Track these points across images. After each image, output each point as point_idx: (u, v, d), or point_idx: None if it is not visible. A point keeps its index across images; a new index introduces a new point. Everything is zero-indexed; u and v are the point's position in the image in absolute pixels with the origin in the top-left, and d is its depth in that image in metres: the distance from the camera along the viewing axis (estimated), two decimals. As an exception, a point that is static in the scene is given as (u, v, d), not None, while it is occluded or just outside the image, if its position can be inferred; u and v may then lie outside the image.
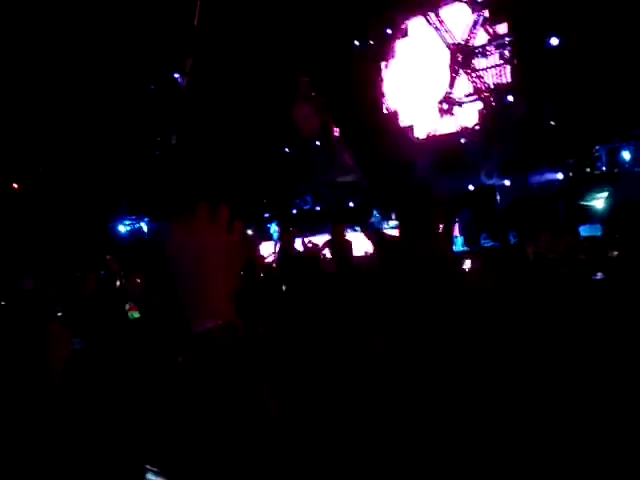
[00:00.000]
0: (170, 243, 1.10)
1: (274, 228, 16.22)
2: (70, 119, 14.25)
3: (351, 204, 15.06)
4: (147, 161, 15.49)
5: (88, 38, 13.98)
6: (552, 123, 12.83)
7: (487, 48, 13.72)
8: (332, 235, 7.30)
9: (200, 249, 1.11)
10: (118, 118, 14.58)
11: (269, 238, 14.80)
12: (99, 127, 14.48)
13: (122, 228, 16.16)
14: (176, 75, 15.25)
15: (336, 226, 7.43)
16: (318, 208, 15.74)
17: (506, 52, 13.65)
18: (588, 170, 12.91)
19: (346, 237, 7.46)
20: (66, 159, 14.61)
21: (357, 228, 14.39)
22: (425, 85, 14.64)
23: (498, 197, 12.98)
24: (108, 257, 12.85)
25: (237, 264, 1.35)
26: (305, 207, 16.29)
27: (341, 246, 6.74)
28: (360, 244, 7.40)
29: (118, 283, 8.75)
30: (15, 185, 15.02)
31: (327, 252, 7.30)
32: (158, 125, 15.33)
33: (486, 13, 13.53)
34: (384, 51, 15.69)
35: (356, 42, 15.43)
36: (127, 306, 4.79)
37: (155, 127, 15.35)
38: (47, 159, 14.85)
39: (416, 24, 15.10)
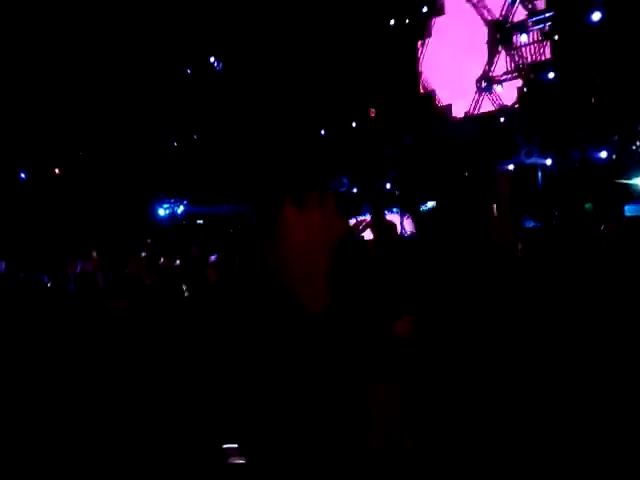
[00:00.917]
0: (285, 226, 1.13)
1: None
2: (110, 103, 14.43)
3: (388, 185, 14.99)
4: (183, 146, 15.65)
5: (123, 21, 14.09)
6: (593, 100, 12.54)
7: (526, 24, 13.42)
8: (374, 218, 7.30)
9: (313, 233, 1.14)
10: (155, 103, 14.72)
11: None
12: (137, 112, 14.64)
13: (161, 211, 16.38)
14: (212, 59, 15.31)
15: (377, 210, 7.42)
16: (355, 190, 15.70)
17: (546, 27, 13.34)
18: (633, 147, 12.60)
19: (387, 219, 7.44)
20: (105, 143, 14.84)
21: (395, 210, 14.34)
22: (463, 63, 14.41)
23: (540, 176, 12.77)
24: (149, 240, 13.08)
25: (337, 247, 1.39)
26: (341, 189, 16.27)
27: (385, 228, 6.72)
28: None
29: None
30: (56, 170, 15.32)
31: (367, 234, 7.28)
32: (194, 110, 15.43)
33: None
34: (420, 29, 15.46)
35: (392, 21, 15.24)
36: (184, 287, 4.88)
37: (191, 112, 15.45)
38: (86, 143, 15.09)
39: (453, 1, 14.84)
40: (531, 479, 2.64)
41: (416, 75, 15.77)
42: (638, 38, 11.16)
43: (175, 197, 16.27)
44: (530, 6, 13.44)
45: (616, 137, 12.31)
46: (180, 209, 16.36)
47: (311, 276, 1.36)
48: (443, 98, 15.31)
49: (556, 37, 12.94)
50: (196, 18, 14.18)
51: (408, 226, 13.17)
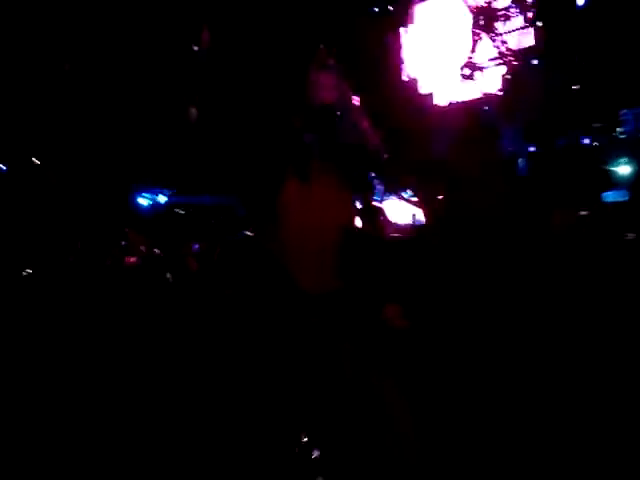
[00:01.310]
0: (287, 204, 1.07)
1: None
2: (89, 95, 14.17)
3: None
4: (168, 134, 15.41)
5: (103, 12, 13.82)
6: (576, 87, 12.58)
7: (510, 10, 13.39)
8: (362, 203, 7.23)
9: (314, 215, 1.08)
10: (136, 92, 14.49)
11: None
12: (118, 102, 14.41)
13: (142, 201, 16.18)
14: (195, 48, 15.07)
15: (365, 194, 7.33)
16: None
17: (529, 14, 13.34)
18: (614, 134, 12.71)
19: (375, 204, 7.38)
20: (85, 132, 14.58)
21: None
22: (446, 51, 14.36)
23: (522, 164, 12.80)
24: (126, 230, 12.92)
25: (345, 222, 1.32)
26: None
27: (372, 214, 6.66)
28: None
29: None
30: (34, 160, 15.02)
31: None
32: (178, 98, 15.22)
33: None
34: (403, 16, 15.36)
35: (375, 8, 15.12)
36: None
37: (175, 100, 15.23)
38: (65, 132, 14.81)
39: (436, -13, 14.77)
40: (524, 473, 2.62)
41: (399, 63, 15.67)
42: (623, 24, 11.20)
43: (157, 187, 16.09)
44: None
45: (598, 124, 12.40)
46: (162, 199, 16.19)
47: (309, 256, 1.30)
48: (426, 86, 15.25)
49: (539, 24, 12.93)
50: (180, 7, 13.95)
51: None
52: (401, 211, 12.96)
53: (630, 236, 6.40)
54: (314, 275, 1.44)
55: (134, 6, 13.76)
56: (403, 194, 13.26)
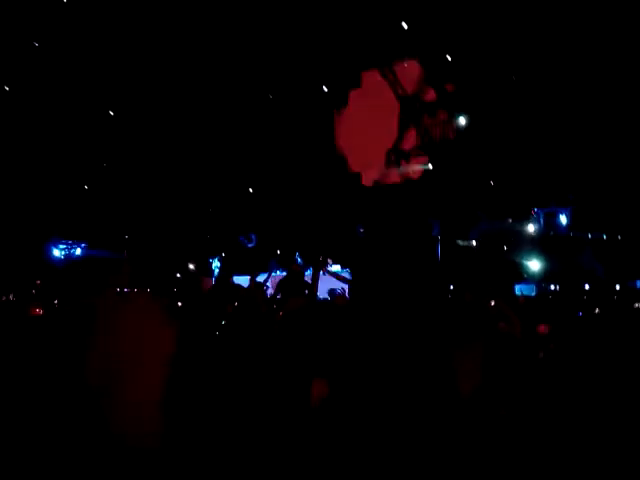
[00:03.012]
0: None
1: (215, 264, 16.00)
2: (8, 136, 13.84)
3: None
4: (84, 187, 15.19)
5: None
6: (492, 183, 13.23)
7: (435, 104, 14.11)
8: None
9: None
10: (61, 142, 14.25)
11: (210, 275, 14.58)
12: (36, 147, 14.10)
13: (56, 252, 15.60)
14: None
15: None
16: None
17: (451, 110, 14.08)
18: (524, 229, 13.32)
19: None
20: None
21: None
22: (375, 136, 14.90)
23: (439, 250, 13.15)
24: (37, 282, 12.38)
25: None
26: (249, 245, 16.15)
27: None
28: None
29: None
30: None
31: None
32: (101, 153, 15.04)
33: (436, 72, 13.95)
34: (337, 99, 15.92)
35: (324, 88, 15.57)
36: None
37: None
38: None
39: (370, 75, 15.42)
40: None
41: (332, 143, 16.11)
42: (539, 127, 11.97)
43: (72, 239, 15.59)
44: (440, 89, 14.17)
45: (510, 220, 12.99)
46: (77, 251, 15.66)
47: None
48: (354, 165, 15.69)
49: (461, 120, 13.65)
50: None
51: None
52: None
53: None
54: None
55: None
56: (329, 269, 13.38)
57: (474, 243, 12.99)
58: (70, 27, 13.18)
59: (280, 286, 7.06)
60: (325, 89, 15.41)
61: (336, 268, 12.30)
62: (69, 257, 15.46)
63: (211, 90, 14.42)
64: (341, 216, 14.34)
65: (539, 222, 13.32)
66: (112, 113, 14.86)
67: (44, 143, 14.11)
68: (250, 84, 14.52)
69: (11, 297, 10.47)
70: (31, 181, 14.20)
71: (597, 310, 8.08)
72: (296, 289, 6.81)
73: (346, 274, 9.00)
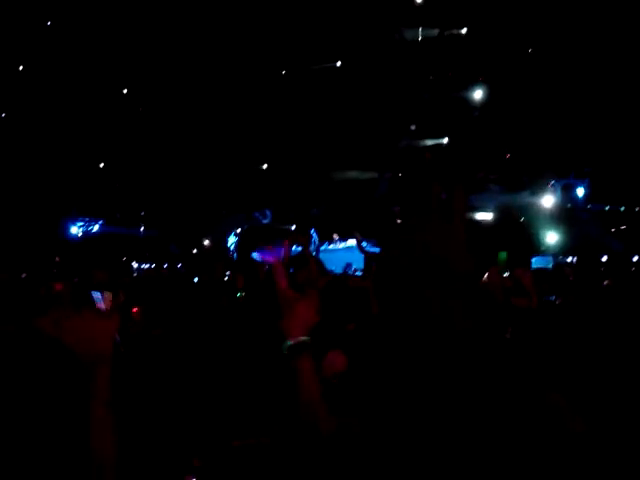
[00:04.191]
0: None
1: (231, 240, 16.01)
2: (26, 118, 13.95)
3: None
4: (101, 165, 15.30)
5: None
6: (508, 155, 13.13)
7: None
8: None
9: None
10: (78, 121, 14.31)
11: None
12: (57, 127, 14.17)
13: (74, 229, 15.74)
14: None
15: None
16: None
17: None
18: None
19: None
20: (20, 158, 14.23)
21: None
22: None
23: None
24: (57, 259, 12.49)
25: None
26: (264, 221, 16.17)
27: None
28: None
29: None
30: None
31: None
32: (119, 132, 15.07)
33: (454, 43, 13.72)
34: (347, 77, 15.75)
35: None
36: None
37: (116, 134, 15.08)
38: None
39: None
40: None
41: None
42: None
43: (90, 216, 15.72)
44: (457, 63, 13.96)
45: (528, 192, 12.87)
46: (95, 228, 15.78)
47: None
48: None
49: (478, 92, 13.47)
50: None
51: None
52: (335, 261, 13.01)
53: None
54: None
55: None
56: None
57: (490, 216, 12.94)
58: (84, 15, 13.28)
59: (293, 261, 7.04)
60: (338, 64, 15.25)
61: (351, 242, 12.29)
62: (87, 234, 15.60)
63: (227, 72, 14.37)
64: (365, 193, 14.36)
65: (556, 194, 13.19)
66: (125, 91, 14.91)
67: (62, 124, 14.18)
68: (265, 55, 14.43)
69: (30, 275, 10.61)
70: (47, 162, 14.31)
71: (612, 282, 8.05)
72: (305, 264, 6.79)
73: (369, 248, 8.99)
